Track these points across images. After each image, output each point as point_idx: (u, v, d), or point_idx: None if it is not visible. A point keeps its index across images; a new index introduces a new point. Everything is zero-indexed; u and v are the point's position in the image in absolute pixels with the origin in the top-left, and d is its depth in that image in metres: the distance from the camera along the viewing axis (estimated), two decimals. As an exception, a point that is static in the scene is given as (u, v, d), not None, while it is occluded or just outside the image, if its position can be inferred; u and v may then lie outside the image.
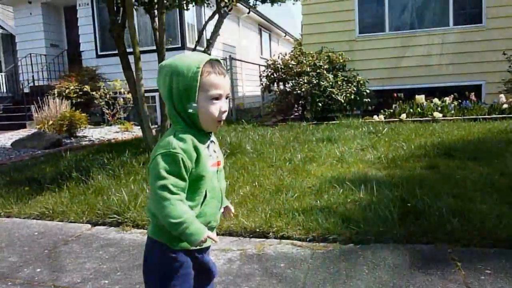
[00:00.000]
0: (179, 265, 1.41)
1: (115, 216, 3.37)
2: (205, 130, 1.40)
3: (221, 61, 1.43)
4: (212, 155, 1.41)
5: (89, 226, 3.39)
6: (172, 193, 1.28)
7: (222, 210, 1.53)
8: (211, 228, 1.45)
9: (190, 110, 1.34)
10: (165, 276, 1.42)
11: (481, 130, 6.36)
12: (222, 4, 6.31)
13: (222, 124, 1.43)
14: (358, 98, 9.43)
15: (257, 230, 2.94)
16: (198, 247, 1.37)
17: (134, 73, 5.76)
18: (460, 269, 2.25)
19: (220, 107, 1.37)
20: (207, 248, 1.51)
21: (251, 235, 2.93)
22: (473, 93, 8.99)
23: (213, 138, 1.46)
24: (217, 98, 1.36)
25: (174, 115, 1.38)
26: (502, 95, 8.45)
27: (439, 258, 2.40)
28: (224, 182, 1.53)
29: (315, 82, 9.02)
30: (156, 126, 8.38)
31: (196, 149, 1.34)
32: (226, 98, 1.41)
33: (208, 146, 1.40)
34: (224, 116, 1.40)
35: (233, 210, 1.63)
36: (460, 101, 8.70)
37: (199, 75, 1.32)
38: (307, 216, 3.02)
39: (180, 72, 1.33)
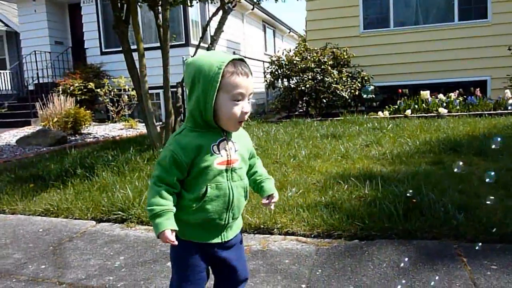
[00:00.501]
0: (185, 254, 1.46)
1: (119, 212, 3.38)
2: (225, 129, 1.41)
3: (245, 60, 1.41)
4: (220, 154, 1.40)
5: (93, 222, 3.40)
6: (155, 184, 1.38)
7: (238, 209, 1.48)
8: (217, 226, 1.44)
9: None
10: (177, 262, 1.50)
11: (486, 125, 6.32)
12: (226, 0, 6.29)
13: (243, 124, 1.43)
14: (362, 94, 9.39)
15: (262, 226, 2.93)
16: (200, 241, 1.44)
17: (138, 70, 5.76)
18: (466, 264, 2.24)
19: (242, 108, 1.37)
20: (220, 244, 1.47)
21: (255, 231, 2.92)
22: (478, 89, 8.93)
23: (234, 137, 1.45)
24: (240, 99, 1.36)
25: (190, 113, 1.40)
26: (507, 91, 8.38)
27: (444, 253, 2.38)
28: (243, 181, 1.48)
29: (319, 78, 8.99)
30: (161, 123, 8.39)
31: (198, 146, 1.37)
32: (249, 99, 1.40)
33: (218, 145, 1.40)
34: (246, 117, 1.39)
35: (274, 199, 1.58)
36: (465, 96, 8.66)
37: (220, 75, 1.32)
38: (311, 212, 3.01)
39: (202, 70, 1.34)
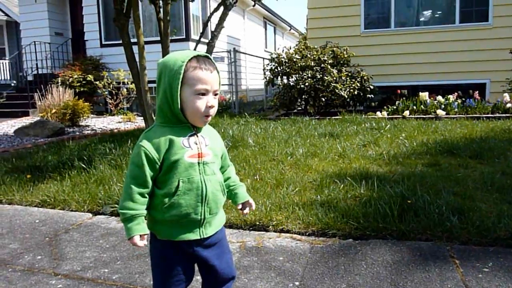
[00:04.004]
0: (163, 254, 1.47)
1: (116, 205, 3.39)
2: (192, 124, 1.43)
3: (211, 57, 1.44)
4: (191, 147, 1.41)
5: (90, 215, 3.41)
6: (128, 185, 1.39)
7: (209, 204, 1.45)
8: (193, 221, 1.43)
9: None
10: (155, 263, 1.50)
11: (484, 129, 6.35)
12: (228, -4, 6.27)
13: (210, 119, 1.44)
14: (361, 94, 9.42)
15: (257, 223, 2.95)
16: (181, 239, 1.43)
17: (138, 63, 5.75)
18: (458, 266, 2.26)
19: (206, 102, 1.39)
20: (199, 241, 1.46)
21: (251, 228, 2.94)
22: (477, 92, 8.96)
23: (204, 133, 1.48)
24: (203, 93, 1.38)
25: (159, 108, 1.43)
26: (506, 94, 8.41)
27: (437, 255, 2.40)
28: (216, 176, 1.48)
29: (319, 77, 9.00)
30: (159, 117, 8.38)
31: (168, 141, 1.39)
32: (215, 95, 1.42)
33: (188, 138, 1.42)
34: (212, 112, 1.41)
35: (253, 207, 1.64)
36: (464, 99, 8.68)
37: (183, 69, 1.35)
38: (307, 210, 3.03)
39: (167, 66, 1.38)
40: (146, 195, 1.41)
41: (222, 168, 1.58)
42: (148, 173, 1.38)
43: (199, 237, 1.45)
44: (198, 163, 1.42)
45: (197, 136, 1.45)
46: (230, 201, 1.64)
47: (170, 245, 1.45)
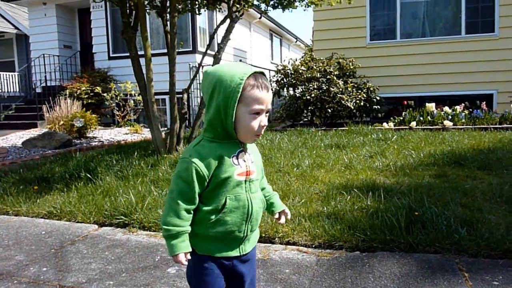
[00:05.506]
0: (202, 269, 1.42)
1: (122, 217, 3.39)
2: (242, 141, 1.40)
3: (266, 74, 1.39)
4: (240, 165, 1.38)
5: (96, 226, 3.41)
6: (174, 200, 1.34)
7: (256, 221, 1.45)
8: (235, 238, 1.41)
9: None
10: (191, 276, 1.46)
11: (491, 139, 6.29)
12: (234, 9, 6.34)
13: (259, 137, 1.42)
14: (368, 105, 9.40)
15: (263, 235, 2.93)
16: (218, 255, 1.40)
17: (145, 75, 5.81)
18: (468, 279, 2.22)
19: (260, 122, 1.36)
20: (238, 257, 1.44)
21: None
22: (484, 102, 8.91)
23: (248, 149, 1.44)
24: (258, 112, 1.35)
25: (209, 123, 1.38)
26: (514, 105, 8.36)
27: (446, 268, 2.37)
28: (259, 193, 1.47)
29: (325, 88, 9.01)
30: (166, 128, 8.42)
31: (219, 157, 1.35)
32: (267, 113, 1.39)
33: (237, 156, 1.39)
34: (263, 131, 1.38)
35: (288, 216, 1.61)
36: (471, 110, 8.63)
37: (241, 87, 1.31)
38: (313, 222, 3.01)
39: (223, 81, 1.32)
40: (192, 212, 1.37)
41: None
42: (197, 189, 1.34)
43: (239, 254, 1.44)
44: (245, 180, 1.40)
45: (245, 153, 1.42)
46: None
47: (209, 260, 1.41)
